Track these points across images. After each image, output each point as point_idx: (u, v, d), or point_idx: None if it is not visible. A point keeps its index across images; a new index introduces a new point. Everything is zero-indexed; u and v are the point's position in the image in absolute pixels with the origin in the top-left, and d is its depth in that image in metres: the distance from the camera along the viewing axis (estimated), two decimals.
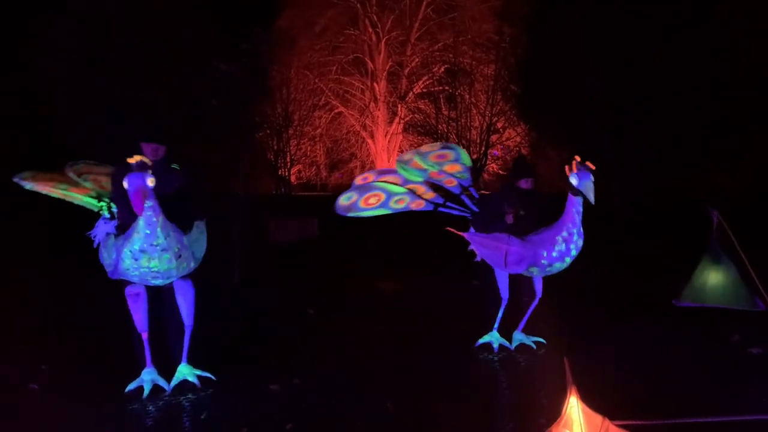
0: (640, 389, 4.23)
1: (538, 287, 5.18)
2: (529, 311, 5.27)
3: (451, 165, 5.44)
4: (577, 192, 4.50)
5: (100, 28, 9.52)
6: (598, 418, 2.55)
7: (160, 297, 4.29)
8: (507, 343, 5.29)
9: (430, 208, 5.38)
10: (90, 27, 9.50)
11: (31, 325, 5.82)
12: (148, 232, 3.74)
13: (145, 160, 3.73)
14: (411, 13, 32.14)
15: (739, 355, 5.07)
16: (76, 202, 4.30)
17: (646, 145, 13.34)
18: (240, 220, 8.41)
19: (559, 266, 4.81)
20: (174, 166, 4.23)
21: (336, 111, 32.93)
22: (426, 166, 5.39)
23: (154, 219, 3.73)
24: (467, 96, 22.43)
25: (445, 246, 5.43)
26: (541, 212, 5.02)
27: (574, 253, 4.69)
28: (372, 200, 5.27)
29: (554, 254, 4.69)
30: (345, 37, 32.38)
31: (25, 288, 7.12)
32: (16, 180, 4.17)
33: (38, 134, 10.12)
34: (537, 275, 5.06)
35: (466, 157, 5.57)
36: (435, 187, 5.45)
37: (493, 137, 21.67)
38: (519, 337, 5.33)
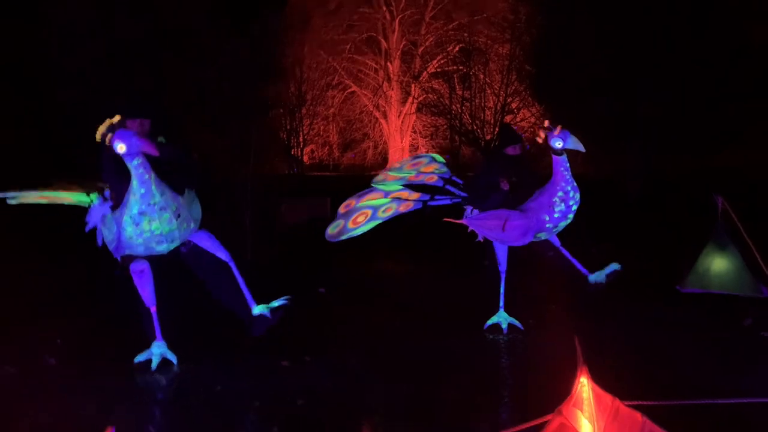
0: (651, 370, 4.22)
1: (555, 239, 5.23)
2: (572, 259, 5.21)
3: (427, 166, 5.55)
4: (560, 152, 4.65)
5: (108, 12, 9.47)
6: (608, 398, 2.54)
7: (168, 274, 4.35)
8: (516, 323, 5.28)
9: (419, 206, 5.41)
10: (98, 11, 9.44)
11: (47, 303, 5.97)
12: (143, 191, 3.74)
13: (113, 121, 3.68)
14: None
15: (752, 339, 5.03)
16: (65, 203, 4.40)
17: (660, 123, 13.23)
18: (251, 202, 8.43)
19: (564, 224, 4.92)
20: (160, 139, 4.20)
21: (349, 90, 32.71)
22: (403, 175, 5.50)
23: (146, 176, 3.73)
24: (482, 76, 22.22)
25: (455, 229, 5.44)
26: (533, 176, 5.10)
27: (574, 207, 4.82)
28: (360, 219, 5.30)
29: (556, 215, 4.80)
30: (359, 16, 32.01)
31: (41, 272, 7.22)
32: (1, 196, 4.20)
33: (45, 124, 10.07)
34: (546, 237, 5.10)
35: (438, 157, 5.69)
36: (418, 187, 5.50)
37: (508, 117, 21.45)
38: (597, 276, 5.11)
